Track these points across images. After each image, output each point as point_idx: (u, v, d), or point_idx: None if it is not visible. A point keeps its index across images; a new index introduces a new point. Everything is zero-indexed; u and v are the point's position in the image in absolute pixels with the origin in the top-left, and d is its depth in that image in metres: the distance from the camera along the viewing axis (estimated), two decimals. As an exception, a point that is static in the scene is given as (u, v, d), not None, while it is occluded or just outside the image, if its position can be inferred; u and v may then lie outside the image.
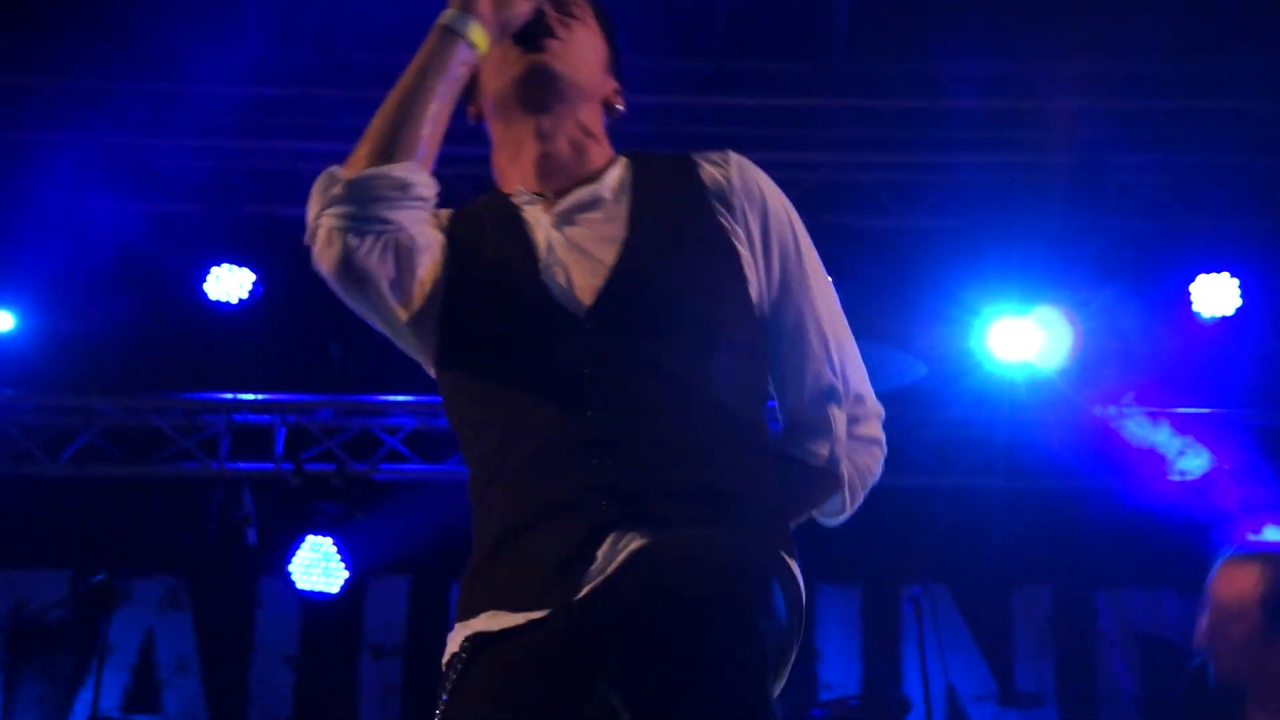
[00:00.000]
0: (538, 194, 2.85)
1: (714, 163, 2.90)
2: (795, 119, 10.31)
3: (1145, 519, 10.10)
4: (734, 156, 2.90)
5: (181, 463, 10.55)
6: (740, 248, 2.81)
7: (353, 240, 2.61)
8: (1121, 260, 10.18)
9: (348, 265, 2.63)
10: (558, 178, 2.87)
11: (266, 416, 10.53)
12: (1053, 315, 10.04)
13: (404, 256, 2.66)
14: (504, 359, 2.68)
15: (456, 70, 2.75)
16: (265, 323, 10.10)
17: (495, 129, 2.98)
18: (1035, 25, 10.24)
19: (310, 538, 10.12)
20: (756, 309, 2.81)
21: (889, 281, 10.24)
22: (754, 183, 2.88)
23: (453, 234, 2.86)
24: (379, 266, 2.64)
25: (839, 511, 2.98)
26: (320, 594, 10.21)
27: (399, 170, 2.63)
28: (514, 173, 2.92)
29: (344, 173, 2.64)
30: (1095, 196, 10.18)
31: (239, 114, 10.21)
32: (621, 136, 9.19)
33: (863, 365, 2.99)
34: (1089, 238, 10.19)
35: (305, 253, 8.57)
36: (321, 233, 2.64)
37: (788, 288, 2.87)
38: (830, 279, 2.98)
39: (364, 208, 2.61)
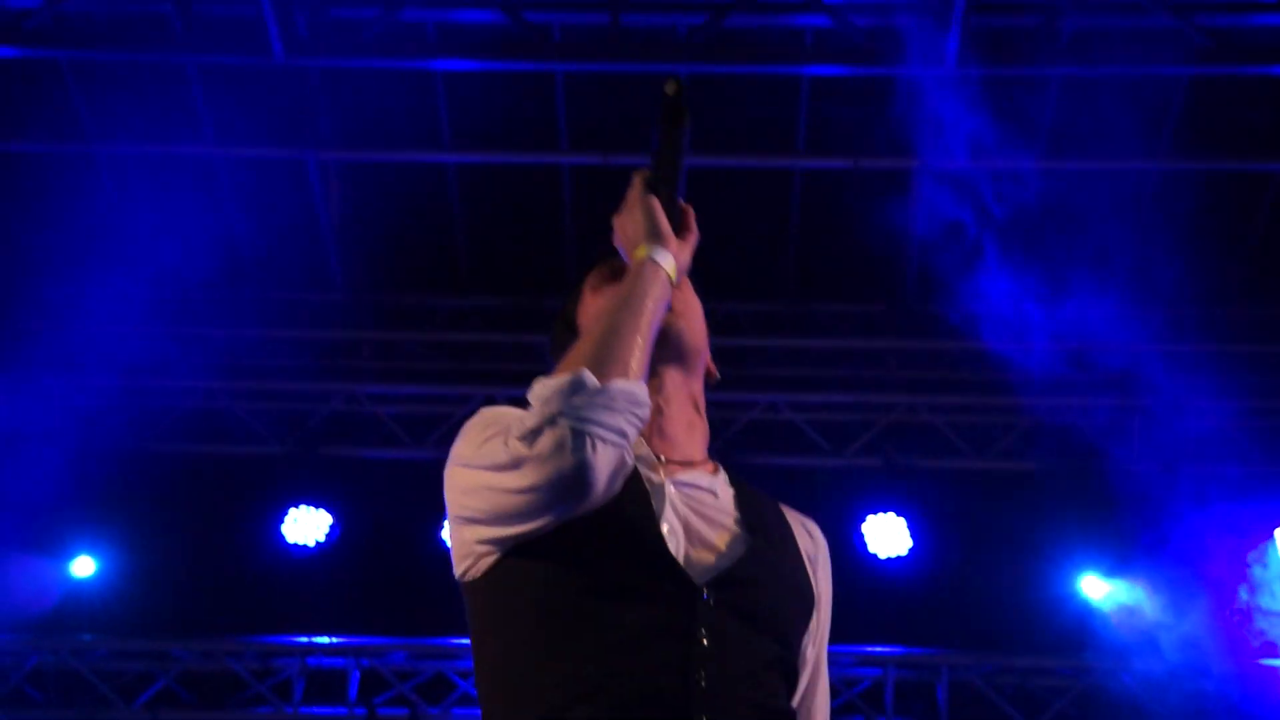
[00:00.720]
0: (654, 454, 2.85)
1: (799, 519, 2.98)
2: (866, 360, 10.40)
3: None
4: (814, 525, 3.00)
5: (256, 707, 10.52)
6: (807, 571, 2.89)
7: (599, 446, 2.56)
8: (1203, 501, 10.10)
9: (582, 470, 2.55)
10: (671, 447, 2.87)
11: (340, 660, 10.51)
12: (1136, 589, 10.04)
13: (619, 472, 2.62)
14: (612, 601, 2.65)
15: (665, 298, 2.77)
16: (340, 565, 10.17)
17: None
18: (1101, 270, 10.34)
19: (380, 782, 10.05)
20: (801, 658, 2.88)
21: (965, 523, 10.21)
22: (826, 552, 2.98)
23: None
24: (605, 476, 2.59)
25: None
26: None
27: (639, 388, 2.62)
28: None
29: (589, 379, 2.58)
30: (1171, 438, 10.17)
31: (317, 358, 10.45)
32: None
33: None
34: (1167, 480, 10.15)
35: (382, 495, 8.64)
36: (559, 434, 2.55)
37: (819, 655, 2.95)
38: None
39: (613, 417, 2.57)
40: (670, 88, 2.79)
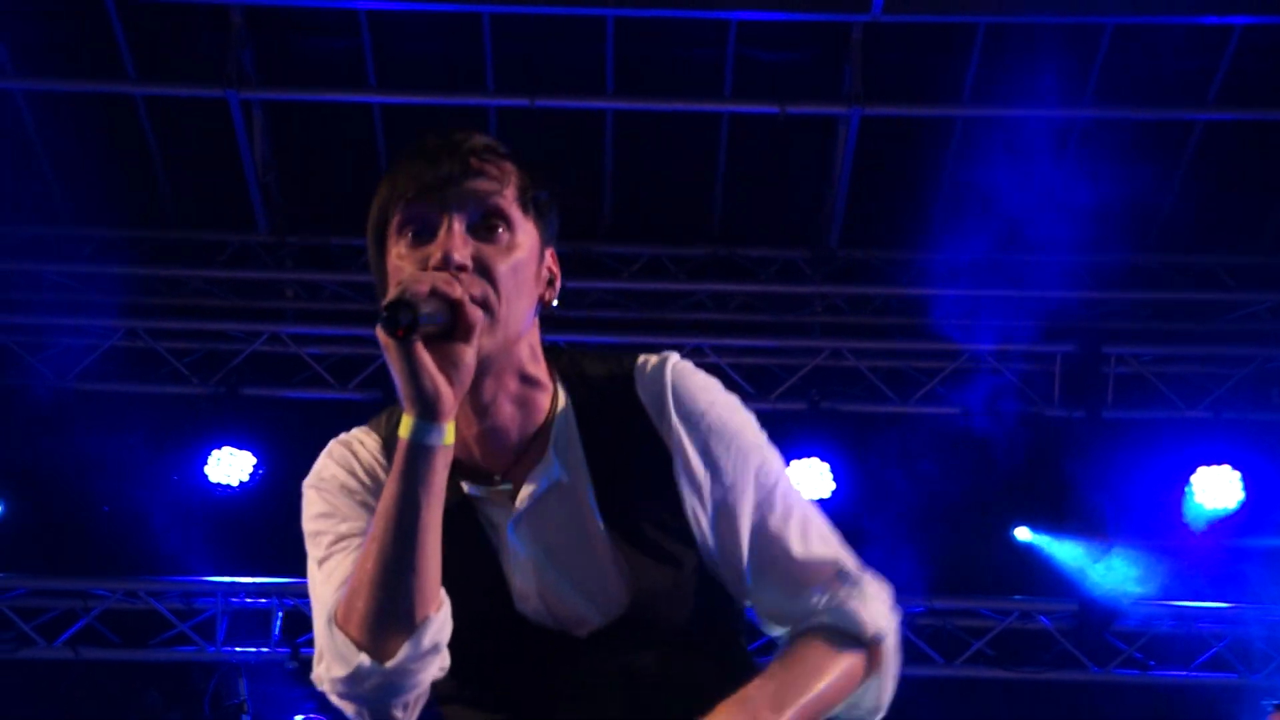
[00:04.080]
0: (484, 476, 2.60)
1: (651, 382, 2.64)
2: (790, 304, 10.46)
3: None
4: (669, 370, 2.65)
5: (178, 646, 10.51)
6: (689, 499, 2.60)
7: (397, 714, 2.44)
8: (1124, 447, 10.23)
9: None
10: (504, 452, 2.58)
11: (263, 600, 10.51)
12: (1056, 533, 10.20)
13: (423, 696, 2.48)
14: (481, 688, 2.60)
15: (443, 482, 2.40)
16: (264, 505, 10.14)
17: None
18: (1030, 219, 10.41)
19: (301, 723, 10.06)
20: (709, 551, 2.62)
21: (887, 467, 10.29)
22: (686, 402, 2.63)
23: None
24: (418, 709, 2.48)
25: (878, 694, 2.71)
26: (314, 785, 10.11)
27: (429, 637, 2.40)
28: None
29: (366, 668, 2.39)
30: (1093, 385, 10.28)
31: (240, 298, 10.40)
32: (620, 324, 9.36)
33: (829, 529, 2.73)
34: (1088, 426, 10.26)
35: (305, 435, 8.61)
36: (354, 708, 2.44)
37: (742, 500, 2.63)
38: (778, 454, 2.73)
39: (405, 682, 2.40)
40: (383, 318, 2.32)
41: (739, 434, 2.65)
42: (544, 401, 2.61)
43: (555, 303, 2.62)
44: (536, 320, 2.60)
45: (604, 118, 9.82)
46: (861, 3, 8.76)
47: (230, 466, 10.19)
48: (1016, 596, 10.45)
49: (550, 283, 2.62)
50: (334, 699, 2.44)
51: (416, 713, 2.46)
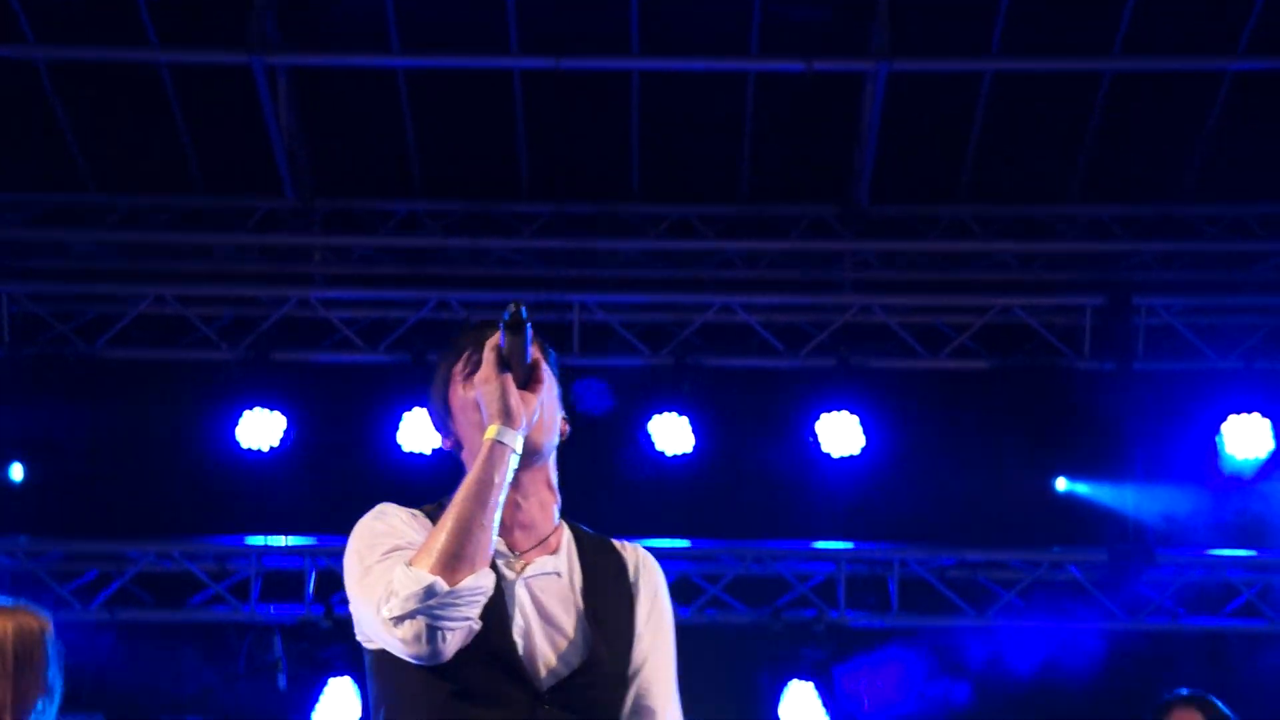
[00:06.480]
0: (511, 549, 3.34)
1: (631, 550, 3.50)
2: (819, 261, 10.44)
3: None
4: (642, 552, 3.52)
5: (213, 607, 10.58)
6: (638, 633, 3.41)
7: (447, 637, 3.09)
8: (1153, 399, 10.21)
9: (434, 655, 3.11)
10: (526, 535, 3.37)
11: (296, 560, 10.57)
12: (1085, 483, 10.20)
13: (467, 637, 3.14)
14: (465, 704, 3.20)
15: (510, 473, 3.20)
16: (295, 468, 10.19)
17: None
18: (1062, 169, 10.38)
19: (334, 681, 10.12)
20: (636, 661, 3.41)
21: (917, 422, 10.30)
22: (652, 576, 3.48)
23: None
24: (453, 650, 3.13)
25: None
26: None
27: (484, 579, 3.13)
28: None
29: (440, 585, 3.06)
30: (1123, 338, 10.25)
31: (268, 263, 10.42)
32: (650, 284, 9.35)
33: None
34: (1118, 378, 10.24)
35: (335, 398, 8.63)
36: (416, 628, 3.08)
37: (650, 662, 3.42)
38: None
39: (458, 611, 3.09)
40: (511, 310, 3.22)
41: (670, 623, 3.51)
42: (554, 511, 3.44)
43: (568, 433, 3.45)
44: (556, 452, 3.43)
45: (630, 78, 9.79)
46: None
47: (261, 430, 10.22)
48: (1055, 548, 10.44)
49: (566, 421, 3.45)
50: (391, 632, 3.09)
51: (451, 650, 3.10)
